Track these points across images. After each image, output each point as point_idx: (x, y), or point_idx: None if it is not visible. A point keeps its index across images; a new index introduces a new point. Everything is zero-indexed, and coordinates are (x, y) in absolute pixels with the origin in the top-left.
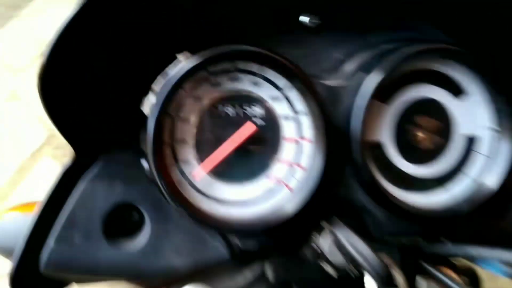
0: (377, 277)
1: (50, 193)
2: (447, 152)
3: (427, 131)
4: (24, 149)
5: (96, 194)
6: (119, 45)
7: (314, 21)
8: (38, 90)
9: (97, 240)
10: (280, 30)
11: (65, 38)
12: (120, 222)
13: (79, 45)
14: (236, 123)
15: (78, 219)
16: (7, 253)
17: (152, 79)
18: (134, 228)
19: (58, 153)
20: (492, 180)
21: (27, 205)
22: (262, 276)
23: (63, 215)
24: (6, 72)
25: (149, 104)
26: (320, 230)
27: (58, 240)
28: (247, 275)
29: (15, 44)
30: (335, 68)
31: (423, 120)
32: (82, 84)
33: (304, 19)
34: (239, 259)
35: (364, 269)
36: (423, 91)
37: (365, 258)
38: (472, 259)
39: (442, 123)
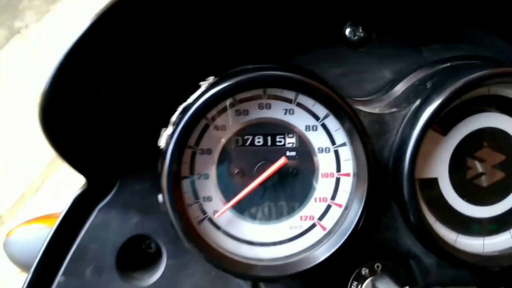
0: None
1: (59, 223)
2: None
3: (489, 166)
4: None
5: (110, 226)
6: (134, 70)
7: (358, 33)
8: (38, 117)
9: (110, 275)
10: (318, 44)
11: (69, 62)
12: (136, 253)
13: (84, 71)
14: (265, 155)
15: (89, 252)
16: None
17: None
18: (151, 259)
19: None
20: None
21: (50, 217)
22: None
23: (74, 247)
24: (41, 66)
25: (165, 136)
26: (360, 278)
27: (67, 273)
28: None
29: (50, 37)
30: (383, 89)
31: (485, 154)
32: (85, 110)
33: (347, 31)
34: None
35: None
36: (486, 119)
37: None
38: None
39: (509, 157)
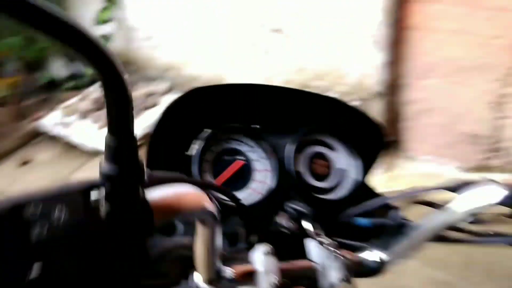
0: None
1: None
2: (332, 176)
3: (321, 166)
4: None
5: None
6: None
7: (256, 127)
8: (147, 148)
9: None
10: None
11: (166, 119)
12: None
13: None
14: (231, 163)
15: None
16: None
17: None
18: None
19: None
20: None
21: None
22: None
23: None
24: None
25: (193, 150)
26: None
27: None
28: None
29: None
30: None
31: (319, 161)
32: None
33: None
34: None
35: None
36: (318, 148)
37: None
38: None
39: (328, 162)
